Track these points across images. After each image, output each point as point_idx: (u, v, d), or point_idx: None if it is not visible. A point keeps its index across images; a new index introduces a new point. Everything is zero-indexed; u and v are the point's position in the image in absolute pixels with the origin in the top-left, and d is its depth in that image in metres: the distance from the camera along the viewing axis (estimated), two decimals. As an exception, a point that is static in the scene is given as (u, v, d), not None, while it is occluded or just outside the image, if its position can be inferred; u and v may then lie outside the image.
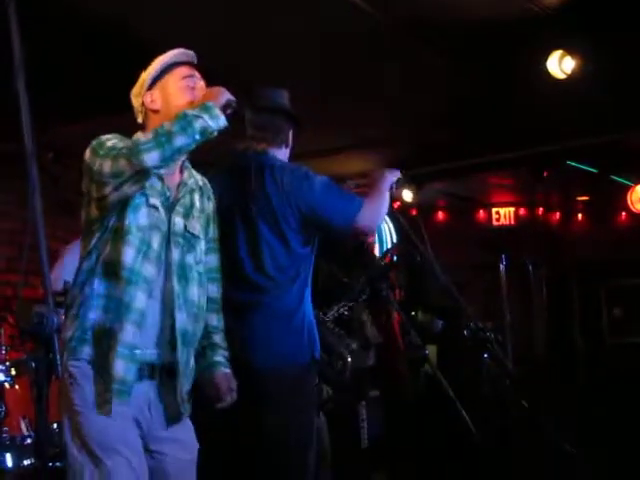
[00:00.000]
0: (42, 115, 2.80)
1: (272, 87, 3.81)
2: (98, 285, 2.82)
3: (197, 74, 3.09)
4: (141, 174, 2.73)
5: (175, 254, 2.94)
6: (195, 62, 3.13)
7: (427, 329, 6.84)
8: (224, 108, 2.90)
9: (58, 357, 1.99)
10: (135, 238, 2.84)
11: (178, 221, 2.97)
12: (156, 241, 2.89)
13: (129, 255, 2.82)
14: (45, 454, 1.99)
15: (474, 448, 3.92)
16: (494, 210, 9.93)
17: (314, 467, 3.55)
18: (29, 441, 4.57)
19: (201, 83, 3.07)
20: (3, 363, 4.78)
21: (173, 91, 3.03)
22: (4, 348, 4.94)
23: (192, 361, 3.01)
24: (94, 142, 2.84)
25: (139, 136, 2.92)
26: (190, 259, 3.00)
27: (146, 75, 3.06)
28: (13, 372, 4.75)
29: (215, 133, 2.85)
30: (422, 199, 8.84)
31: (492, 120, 6.78)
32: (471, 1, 5.11)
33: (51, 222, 2.74)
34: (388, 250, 4.59)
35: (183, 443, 2.97)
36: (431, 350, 6.86)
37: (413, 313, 7.03)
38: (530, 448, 5.38)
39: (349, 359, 3.83)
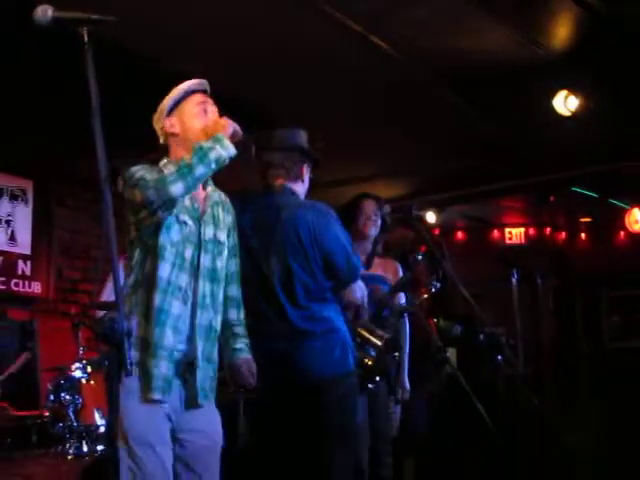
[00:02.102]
0: (116, 146, 2.84)
1: (291, 128, 3.77)
2: (142, 297, 2.84)
3: (210, 100, 3.08)
4: (169, 202, 2.77)
5: (206, 260, 2.96)
6: (208, 90, 3.12)
7: (448, 334, 6.80)
8: (231, 138, 2.92)
9: (127, 357, 2.00)
10: (170, 254, 2.86)
11: (208, 231, 2.99)
12: (189, 252, 2.92)
13: (165, 270, 2.85)
14: (116, 441, 1.99)
15: (489, 440, 3.88)
16: (507, 230, 9.87)
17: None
18: (102, 430, 4.59)
19: (213, 108, 3.06)
20: (81, 361, 4.81)
21: (189, 117, 3.02)
22: (82, 349, 4.98)
23: (215, 354, 3.01)
24: (126, 174, 2.86)
25: (164, 164, 2.96)
26: (218, 263, 3.02)
27: (165, 103, 3.05)
28: (89, 369, 4.78)
29: (227, 161, 2.88)
30: (443, 220, 8.84)
31: (505, 151, 6.76)
32: (485, 48, 5.11)
33: (120, 239, 2.77)
34: (414, 264, 4.54)
35: (206, 431, 2.94)
36: (451, 353, 6.82)
37: (435, 320, 6.99)
38: (538, 441, 5.31)
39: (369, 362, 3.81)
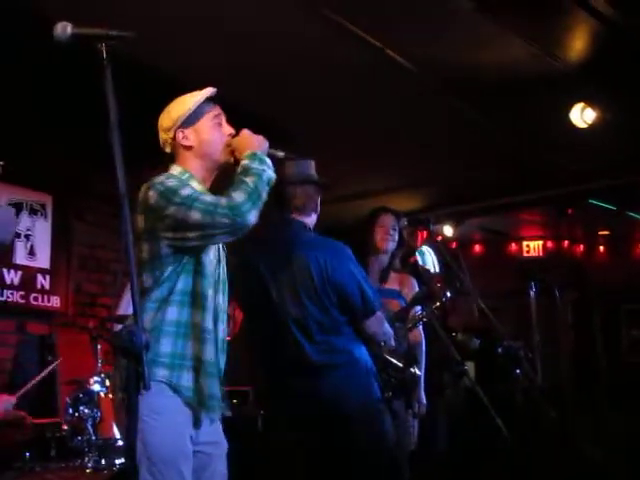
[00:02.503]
0: (134, 161, 2.85)
1: (302, 159, 3.73)
2: (174, 313, 2.76)
3: (222, 112, 3.01)
4: (239, 232, 2.71)
5: (223, 273, 2.96)
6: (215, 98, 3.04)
7: (466, 347, 6.78)
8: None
9: (146, 371, 2.00)
10: (208, 270, 2.83)
11: (221, 246, 2.98)
12: (214, 267, 2.90)
13: (206, 286, 2.82)
14: (134, 455, 1.99)
15: (507, 452, 3.86)
16: (524, 243, 9.84)
17: None
18: (120, 443, 4.59)
19: (224, 119, 3.00)
20: (99, 375, 4.82)
21: (206, 131, 2.93)
22: (100, 362, 5.00)
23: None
24: (160, 187, 2.75)
25: (176, 171, 2.89)
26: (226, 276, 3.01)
27: (178, 112, 2.94)
28: (107, 383, 4.79)
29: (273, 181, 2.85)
30: (461, 233, 8.82)
31: (522, 164, 6.75)
32: (502, 60, 5.11)
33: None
34: (432, 278, 4.54)
35: (217, 442, 2.93)
36: (469, 366, 6.79)
37: (453, 333, 6.97)
38: (557, 454, 5.28)
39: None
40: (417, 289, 4.66)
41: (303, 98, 5.49)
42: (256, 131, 2.97)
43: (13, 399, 4.80)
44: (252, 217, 2.70)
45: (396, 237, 4.66)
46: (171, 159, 2.98)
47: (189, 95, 2.99)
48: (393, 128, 6.05)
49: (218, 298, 2.90)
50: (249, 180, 2.76)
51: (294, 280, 3.52)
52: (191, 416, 2.76)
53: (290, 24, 4.62)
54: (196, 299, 2.79)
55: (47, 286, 6.63)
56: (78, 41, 2.22)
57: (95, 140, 2.86)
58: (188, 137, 2.93)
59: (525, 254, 9.79)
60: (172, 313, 2.76)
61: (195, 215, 2.67)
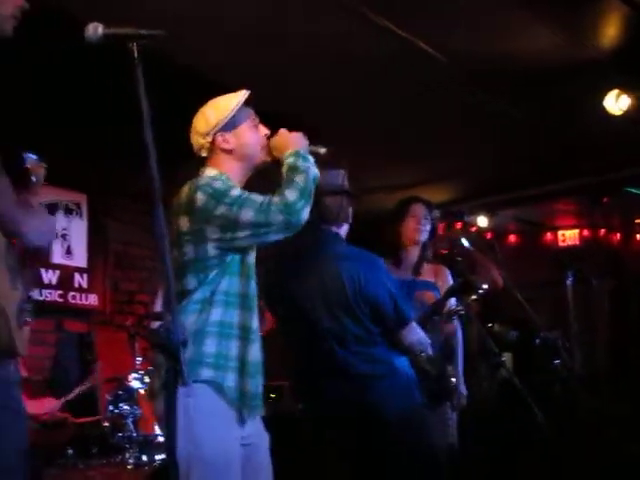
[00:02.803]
0: (167, 160, 2.86)
1: (332, 170, 3.71)
2: (217, 314, 2.76)
3: (257, 117, 3.00)
4: (293, 229, 2.72)
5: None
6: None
7: (503, 339, 6.74)
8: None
9: (183, 367, 2.01)
10: (252, 271, 2.86)
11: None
12: (254, 274, 2.90)
13: (252, 287, 2.84)
14: (174, 450, 2.01)
15: (544, 442, 3.83)
16: (560, 232, 9.74)
17: None
18: (160, 439, 4.62)
19: (258, 119, 3.00)
20: (138, 372, 4.86)
21: (246, 134, 2.93)
22: (139, 359, 5.04)
23: None
24: (208, 189, 2.75)
25: (212, 173, 2.87)
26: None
27: (218, 117, 2.92)
28: (146, 380, 4.83)
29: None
30: (495, 224, 8.77)
31: (556, 153, 6.70)
32: (534, 49, 5.08)
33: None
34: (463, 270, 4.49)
35: (259, 434, 2.92)
36: (507, 357, 6.75)
37: (490, 325, 6.93)
38: (596, 445, 5.23)
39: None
40: (451, 281, 4.62)
41: (331, 94, 5.48)
42: (287, 128, 2.99)
43: (58, 404, 4.87)
44: (305, 214, 2.72)
45: (428, 227, 4.58)
46: (203, 162, 2.97)
47: (224, 98, 2.97)
48: (423, 120, 6.02)
49: (256, 298, 2.92)
50: (298, 179, 2.76)
51: (326, 292, 3.50)
52: (236, 416, 2.76)
53: (313, 18, 4.62)
54: (242, 300, 2.80)
55: (84, 284, 6.71)
56: (109, 41, 2.24)
57: (128, 139, 2.86)
58: (229, 141, 2.92)
59: (561, 244, 9.70)
60: (216, 314, 2.75)
61: (248, 214, 2.68)
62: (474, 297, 4.15)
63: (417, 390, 3.57)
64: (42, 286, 6.26)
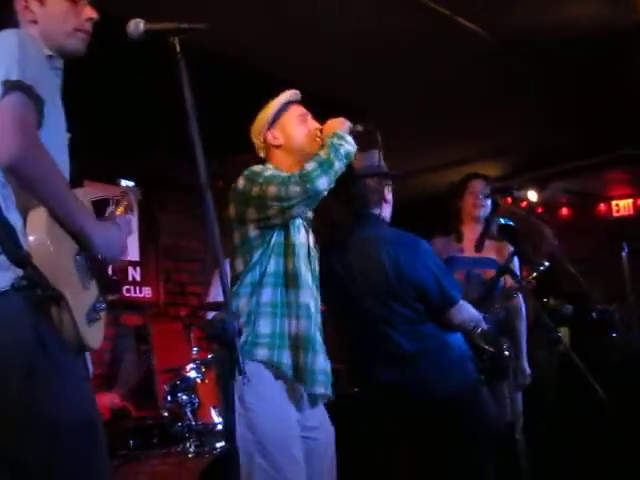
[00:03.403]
0: (213, 148, 2.91)
1: (366, 151, 3.73)
2: (268, 295, 2.85)
3: (307, 112, 3.14)
4: (315, 197, 2.82)
5: (315, 264, 3.05)
6: (300, 100, 3.18)
7: (559, 313, 6.67)
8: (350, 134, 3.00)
9: (240, 357, 2.05)
10: (300, 252, 2.92)
11: (311, 238, 3.06)
12: (305, 254, 2.97)
13: (298, 265, 2.90)
14: (233, 438, 2.05)
15: (606, 415, 3.80)
16: (613, 203, 9.59)
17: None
18: (219, 427, 4.68)
19: (310, 117, 3.13)
20: (195, 362, 4.92)
21: (291, 126, 3.08)
22: (195, 349, 5.10)
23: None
24: (247, 172, 2.92)
25: (268, 169, 2.97)
26: (317, 268, 3.09)
27: (265, 116, 3.10)
28: (203, 369, 4.88)
29: (354, 156, 2.97)
30: (546, 198, 8.67)
31: (607, 123, 6.60)
32: (583, 17, 5.01)
33: (224, 241, 2.82)
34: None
35: (324, 427, 2.98)
36: (564, 332, 6.69)
37: (545, 300, 6.86)
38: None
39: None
40: (515, 258, 4.53)
41: (376, 74, 5.48)
42: (333, 110, 3.09)
43: (119, 396, 4.95)
44: (322, 182, 2.81)
45: (488, 203, 4.53)
46: (263, 162, 3.11)
47: (275, 99, 3.14)
48: (469, 97, 5.99)
49: (309, 276, 2.97)
50: (323, 152, 2.90)
51: (370, 278, 3.52)
52: (293, 396, 2.83)
53: (359, 1, 4.62)
54: (289, 279, 2.88)
55: (138, 278, 6.81)
56: (151, 37, 2.28)
57: (176, 131, 2.91)
58: (277, 136, 3.09)
59: (615, 214, 9.55)
60: (267, 295, 2.86)
61: (272, 190, 2.82)
62: (534, 275, 4.09)
63: (472, 365, 3.57)
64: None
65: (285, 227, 2.90)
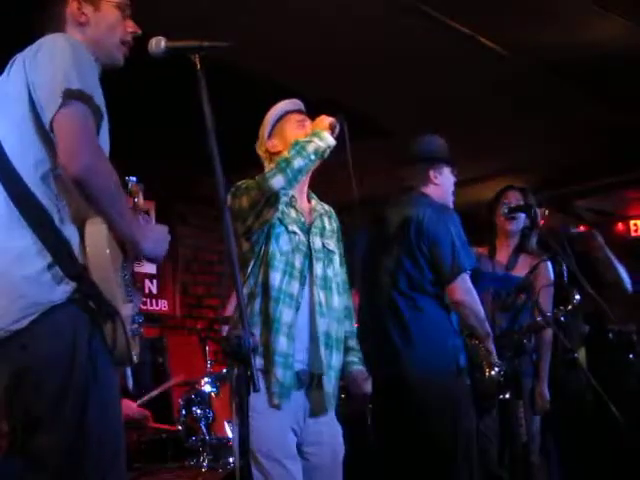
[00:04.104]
0: (232, 162, 2.94)
1: (419, 137, 3.91)
2: (257, 305, 2.93)
3: (307, 119, 3.17)
4: (272, 198, 2.90)
5: (318, 269, 3.03)
6: (303, 109, 3.23)
7: (574, 333, 6.62)
8: (331, 131, 3.01)
9: (255, 373, 2.06)
10: (280, 262, 2.94)
11: (317, 240, 3.07)
12: (299, 260, 2.99)
13: (275, 278, 2.92)
14: (247, 453, 2.06)
15: (622, 438, 3.77)
16: (632, 222, 9.54)
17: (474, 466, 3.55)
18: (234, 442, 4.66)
19: (308, 122, 3.16)
20: (210, 376, 4.92)
21: (289, 133, 3.12)
22: (210, 363, 5.10)
23: (337, 361, 3.05)
24: (232, 189, 3.00)
25: (249, 181, 3.05)
26: (330, 271, 3.09)
27: (265, 126, 3.18)
28: (217, 383, 4.88)
29: (327, 151, 2.99)
30: (567, 215, 8.62)
31: (628, 141, 6.58)
32: (605, 38, 5.01)
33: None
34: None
35: (331, 443, 3.00)
36: (580, 352, 6.63)
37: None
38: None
39: (489, 372, 3.72)
40: (551, 275, 4.39)
41: (399, 92, 5.49)
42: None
43: (134, 406, 4.94)
44: (275, 181, 2.89)
45: (520, 216, 4.42)
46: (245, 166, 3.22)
47: (273, 109, 3.21)
48: (496, 113, 6.00)
49: (291, 286, 2.97)
50: (287, 153, 2.96)
51: (391, 232, 3.68)
52: (290, 409, 2.86)
53: (379, 18, 4.63)
54: (266, 290, 2.93)
55: (155, 290, 6.83)
56: (172, 54, 2.30)
57: (194, 146, 2.95)
58: (275, 144, 3.15)
59: (633, 234, 9.50)
60: (257, 305, 2.94)
61: (244, 200, 2.95)
62: (569, 307, 4.03)
63: (457, 351, 3.56)
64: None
65: (267, 237, 2.96)
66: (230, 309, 5.44)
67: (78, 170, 2.01)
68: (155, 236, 2.31)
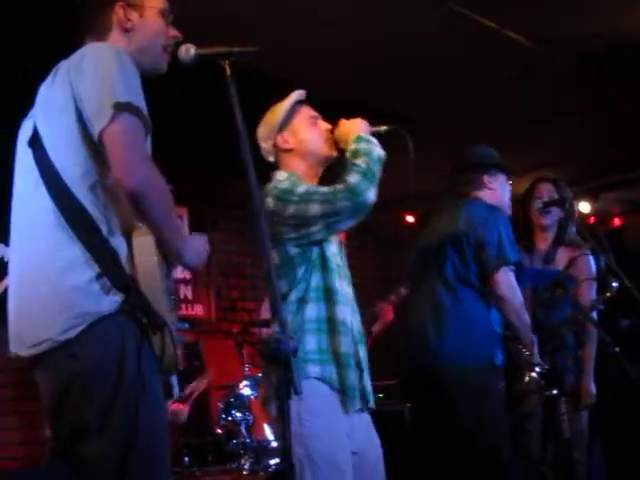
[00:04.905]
0: (264, 166, 2.94)
1: (472, 146, 3.99)
2: (313, 311, 2.83)
3: (316, 113, 3.08)
4: (362, 211, 2.79)
5: (344, 265, 3.01)
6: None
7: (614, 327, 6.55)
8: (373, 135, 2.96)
9: (295, 376, 2.06)
10: (333, 264, 2.89)
11: (338, 240, 3.02)
12: (338, 259, 2.95)
13: (335, 280, 2.87)
14: (289, 455, 2.06)
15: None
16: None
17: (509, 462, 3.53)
18: (274, 444, 4.68)
19: (320, 118, 3.07)
20: (248, 379, 4.93)
21: (303, 130, 3.01)
22: (247, 366, 5.11)
23: (366, 357, 3.01)
24: (275, 191, 2.86)
25: (282, 176, 2.95)
26: (347, 268, 3.06)
27: (274, 119, 3.03)
28: (256, 386, 4.89)
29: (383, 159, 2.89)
30: (599, 208, 8.55)
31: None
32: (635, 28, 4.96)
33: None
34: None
35: (372, 440, 2.96)
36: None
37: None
38: None
39: (529, 375, 3.69)
40: (592, 268, 4.31)
41: (429, 89, 5.48)
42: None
43: (183, 408, 4.97)
44: (370, 195, 2.78)
45: (553, 209, 4.33)
46: (273, 167, 3.07)
47: (281, 102, 3.07)
48: (519, 110, 5.96)
49: (345, 289, 2.95)
50: (360, 161, 2.83)
51: (441, 228, 3.77)
52: (345, 412, 2.82)
53: (401, 12, 4.62)
54: (328, 294, 2.86)
55: (190, 295, 6.86)
56: (202, 61, 2.31)
57: (224, 150, 2.95)
58: (288, 140, 3.02)
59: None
60: (311, 310, 2.84)
61: (315, 207, 2.78)
62: (607, 295, 4.00)
63: (497, 347, 3.58)
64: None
65: (321, 242, 2.88)
66: (264, 312, 5.47)
67: (135, 184, 2.02)
68: (196, 246, 2.32)
